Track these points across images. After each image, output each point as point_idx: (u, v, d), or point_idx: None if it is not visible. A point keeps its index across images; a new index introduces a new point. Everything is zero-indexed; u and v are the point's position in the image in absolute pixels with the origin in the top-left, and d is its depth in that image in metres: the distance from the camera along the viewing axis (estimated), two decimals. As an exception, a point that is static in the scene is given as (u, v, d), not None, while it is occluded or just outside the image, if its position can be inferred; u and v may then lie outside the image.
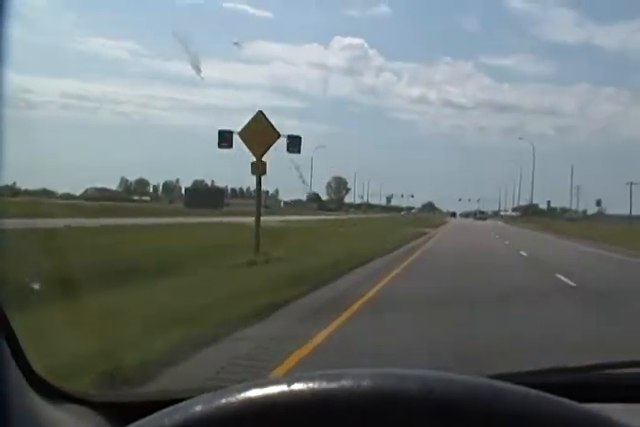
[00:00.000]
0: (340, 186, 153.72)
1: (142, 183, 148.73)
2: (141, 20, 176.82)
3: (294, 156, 19.49)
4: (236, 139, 19.09)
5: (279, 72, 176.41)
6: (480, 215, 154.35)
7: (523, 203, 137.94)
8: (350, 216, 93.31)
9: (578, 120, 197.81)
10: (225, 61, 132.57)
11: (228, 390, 0.88)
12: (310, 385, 0.86)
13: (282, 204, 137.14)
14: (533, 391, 0.90)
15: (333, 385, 0.86)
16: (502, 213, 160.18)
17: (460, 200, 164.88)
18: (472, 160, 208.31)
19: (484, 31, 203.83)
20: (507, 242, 37.64)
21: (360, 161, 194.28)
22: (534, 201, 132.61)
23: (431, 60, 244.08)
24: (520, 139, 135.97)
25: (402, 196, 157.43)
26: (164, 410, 0.88)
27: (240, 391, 0.87)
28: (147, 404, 1.57)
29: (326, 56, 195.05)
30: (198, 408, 0.86)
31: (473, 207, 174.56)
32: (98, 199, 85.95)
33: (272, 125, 18.53)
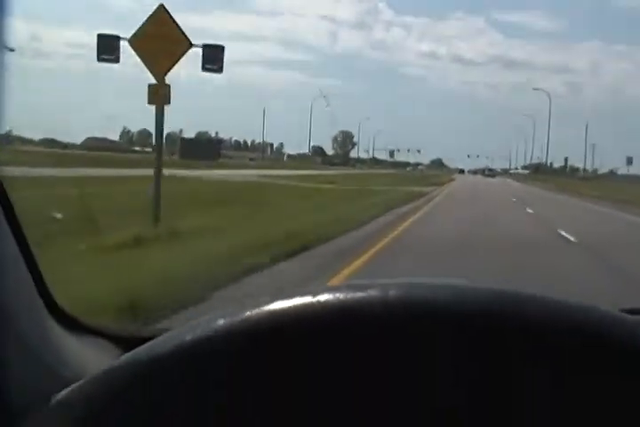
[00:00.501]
0: (346, 140, 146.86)
1: (144, 134, 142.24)
2: None
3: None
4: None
5: (288, 25, 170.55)
6: (489, 172, 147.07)
7: (534, 161, 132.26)
8: (352, 171, 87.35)
9: (589, 78, 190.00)
10: (235, 13, 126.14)
11: (251, 304, 0.85)
12: (337, 296, 0.84)
13: (285, 157, 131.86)
14: (588, 306, 0.84)
15: (360, 295, 0.84)
16: (512, 171, 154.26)
17: (468, 157, 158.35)
18: (482, 117, 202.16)
19: None
20: (530, 211, 25.92)
21: (368, 116, 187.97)
22: (538, 160, 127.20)
23: (442, 15, 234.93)
24: (535, 89, 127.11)
25: (408, 151, 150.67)
26: (188, 324, 0.85)
27: (264, 305, 0.84)
28: None
29: (336, 9, 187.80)
30: (220, 322, 0.83)
31: (482, 164, 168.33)
32: (96, 149, 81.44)
33: (180, 29, 11.97)
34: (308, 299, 0.84)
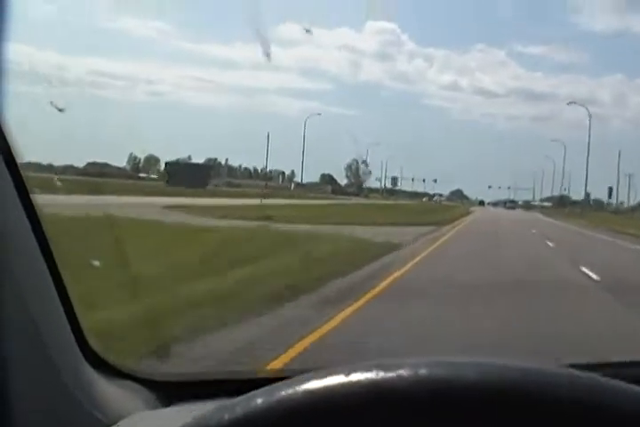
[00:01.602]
0: (359, 169, 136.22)
1: (151, 160, 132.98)
2: (169, 1, 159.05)
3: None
4: None
5: (309, 55, 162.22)
6: (510, 204, 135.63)
7: (556, 193, 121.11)
8: (349, 201, 76.17)
9: (613, 110, 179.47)
10: (255, 43, 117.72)
11: (286, 383, 0.86)
12: (367, 375, 0.84)
13: (292, 186, 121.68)
14: (598, 377, 0.86)
15: (390, 374, 0.84)
16: (533, 203, 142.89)
17: (489, 187, 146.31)
18: (503, 148, 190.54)
19: (518, 19, 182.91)
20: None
21: (386, 146, 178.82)
22: (566, 192, 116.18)
23: (464, 47, 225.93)
24: (570, 103, 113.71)
25: (423, 180, 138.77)
26: (224, 404, 0.87)
27: (299, 384, 0.85)
28: (196, 384, 1.65)
29: (358, 40, 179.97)
30: (259, 402, 0.85)
31: (503, 195, 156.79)
32: (97, 175, 73.59)
33: None
34: (340, 378, 0.84)
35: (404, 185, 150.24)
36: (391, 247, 18.71)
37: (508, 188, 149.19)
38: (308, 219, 26.38)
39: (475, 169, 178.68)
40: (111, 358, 1.41)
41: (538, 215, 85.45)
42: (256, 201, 43.73)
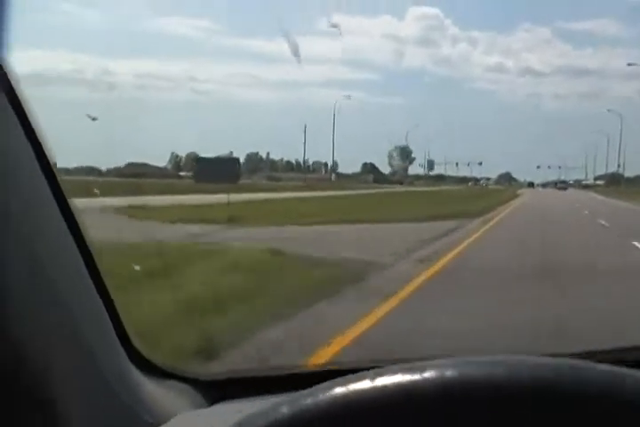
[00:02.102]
0: (403, 156, 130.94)
1: (193, 158, 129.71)
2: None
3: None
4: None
5: (352, 45, 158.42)
6: (561, 185, 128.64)
7: (613, 170, 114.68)
8: (384, 190, 71.73)
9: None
10: (299, 36, 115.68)
11: (313, 390, 0.86)
12: (393, 379, 0.84)
13: (332, 177, 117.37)
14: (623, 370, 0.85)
15: (416, 377, 0.83)
16: (584, 183, 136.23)
17: (538, 167, 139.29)
18: (551, 128, 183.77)
19: None
20: None
21: (432, 132, 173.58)
22: (620, 169, 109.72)
23: (508, 28, 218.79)
24: (609, 110, 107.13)
25: (468, 164, 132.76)
26: (252, 413, 0.88)
27: (325, 390, 0.85)
28: (242, 381, 1.64)
29: (401, 27, 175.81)
30: (283, 410, 0.85)
31: (553, 176, 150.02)
32: (134, 176, 70.49)
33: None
34: (366, 383, 0.83)
35: (450, 170, 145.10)
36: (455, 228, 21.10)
37: (559, 167, 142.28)
38: (298, 217, 21.21)
39: (522, 151, 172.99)
40: (156, 357, 1.39)
41: (592, 195, 77.52)
42: (276, 195, 39.68)
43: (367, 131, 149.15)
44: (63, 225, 1.13)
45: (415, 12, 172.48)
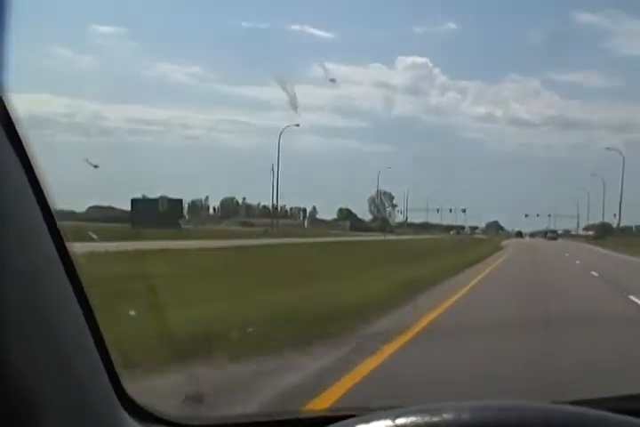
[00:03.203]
0: (385, 202, 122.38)
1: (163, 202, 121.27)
2: (206, 46, 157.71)
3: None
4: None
5: (342, 93, 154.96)
6: (551, 235, 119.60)
7: (600, 221, 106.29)
8: (360, 238, 62.79)
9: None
10: (289, 83, 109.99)
11: None
12: (412, 420, 0.83)
13: (306, 223, 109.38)
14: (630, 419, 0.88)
15: (435, 419, 0.83)
16: (573, 233, 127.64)
17: (526, 216, 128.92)
18: (540, 178, 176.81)
19: (551, 47, 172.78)
20: None
21: (419, 180, 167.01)
22: (605, 220, 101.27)
23: (497, 78, 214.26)
24: (608, 149, 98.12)
25: (450, 211, 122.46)
26: None
27: None
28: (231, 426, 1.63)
29: (390, 76, 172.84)
30: None
31: (542, 225, 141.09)
32: (98, 220, 62.04)
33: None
34: (386, 423, 0.83)
35: (437, 217, 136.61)
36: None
37: (549, 216, 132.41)
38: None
39: (511, 199, 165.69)
40: (147, 402, 1.37)
41: (588, 247, 66.83)
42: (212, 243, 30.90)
43: (353, 177, 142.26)
44: (61, 270, 1.07)
45: (405, 60, 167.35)
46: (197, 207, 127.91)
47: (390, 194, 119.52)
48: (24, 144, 1.05)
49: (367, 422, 0.82)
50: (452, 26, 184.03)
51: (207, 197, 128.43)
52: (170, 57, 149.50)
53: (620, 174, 75.92)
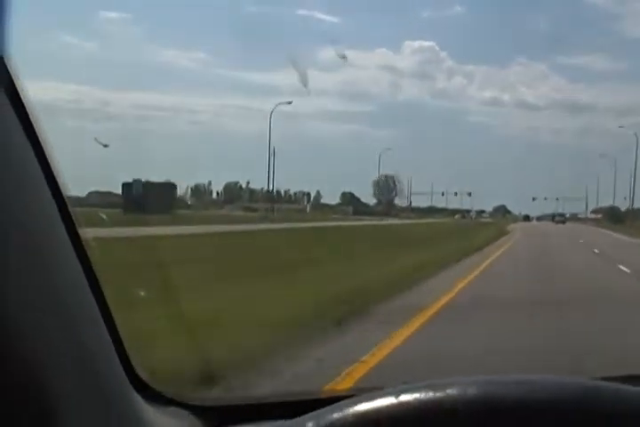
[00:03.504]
0: (389, 186, 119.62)
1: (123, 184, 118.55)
2: (212, 31, 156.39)
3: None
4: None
5: (349, 78, 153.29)
6: (559, 218, 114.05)
7: (615, 204, 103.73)
8: (361, 222, 60.07)
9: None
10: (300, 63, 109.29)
11: (337, 406, 0.85)
12: (417, 396, 0.83)
13: (308, 208, 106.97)
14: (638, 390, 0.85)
15: (439, 394, 0.83)
16: (581, 216, 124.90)
17: (534, 199, 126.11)
18: (549, 160, 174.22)
19: (558, 30, 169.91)
20: None
21: (426, 164, 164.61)
22: (616, 203, 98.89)
23: (504, 62, 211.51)
24: (621, 127, 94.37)
25: (455, 194, 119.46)
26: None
27: (350, 406, 0.84)
28: (244, 407, 1.60)
29: (397, 60, 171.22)
30: (310, 424, 0.84)
31: (550, 208, 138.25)
32: (97, 205, 59.85)
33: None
34: (389, 400, 0.82)
35: (441, 202, 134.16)
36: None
37: (557, 199, 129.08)
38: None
39: (519, 183, 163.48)
40: (157, 384, 1.37)
41: (603, 231, 61.27)
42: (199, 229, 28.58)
43: (359, 161, 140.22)
44: (72, 252, 1.08)
45: (411, 45, 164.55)
46: (200, 192, 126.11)
47: (395, 177, 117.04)
48: (37, 132, 1.04)
49: (369, 400, 0.81)
50: (459, 9, 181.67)
51: (210, 182, 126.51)
52: (175, 42, 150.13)
53: (630, 157, 73.41)
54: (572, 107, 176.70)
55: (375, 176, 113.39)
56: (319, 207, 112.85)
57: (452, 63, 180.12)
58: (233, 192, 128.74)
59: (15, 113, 1.00)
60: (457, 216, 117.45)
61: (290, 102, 65.79)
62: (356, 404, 0.83)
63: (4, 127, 0.99)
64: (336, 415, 0.82)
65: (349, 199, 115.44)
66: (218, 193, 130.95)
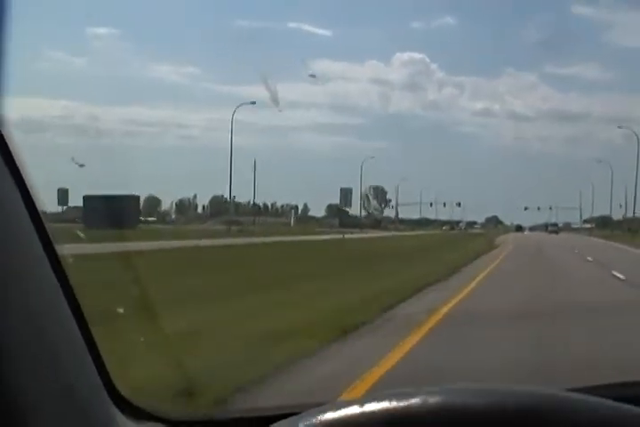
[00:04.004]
0: (377, 197, 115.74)
1: (152, 202, 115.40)
2: (201, 46, 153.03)
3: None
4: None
5: (340, 90, 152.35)
6: (552, 228, 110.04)
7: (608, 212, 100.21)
8: (335, 237, 55.68)
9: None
10: (287, 81, 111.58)
11: (305, 415, 0.86)
12: (382, 405, 0.83)
13: (292, 221, 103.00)
14: (605, 401, 0.84)
15: (404, 403, 0.83)
16: (574, 226, 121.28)
17: (526, 209, 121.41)
18: (540, 170, 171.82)
19: (547, 40, 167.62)
20: None
21: (416, 175, 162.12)
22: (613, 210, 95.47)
23: (494, 73, 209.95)
24: (620, 127, 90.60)
25: (444, 205, 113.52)
26: None
27: (317, 414, 0.84)
28: (224, 422, 1.60)
29: (387, 72, 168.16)
30: (317, 417, 0.84)
31: (542, 218, 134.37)
32: (71, 221, 55.57)
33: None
34: (355, 409, 0.82)
35: (431, 213, 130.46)
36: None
37: (550, 208, 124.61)
38: None
39: (510, 193, 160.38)
40: (138, 399, 1.34)
41: (599, 241, 57.08)
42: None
43: (347, 174, 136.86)
44: (49, 270, 1.06)
45: (402, 57, 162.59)
46: (185, 206, 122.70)
47: (383, 189, 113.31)
48: (9, 146, 1.04)
49: (337, 408, 0.82)
50: (449, 20, 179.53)
51: (195, 195, 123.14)
52: (164, 57, 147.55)
53: (623, 164, 69.76)
54: (562, 116, 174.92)
55: (362, 188, 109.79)
56: (305, 220, 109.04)
57: (442, 75, 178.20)
58: (219, 206, 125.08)
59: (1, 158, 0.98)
60: (445, 227, 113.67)
61: (253, 102, 62.53)
62: (322, 413, 0.82)
63: None
64: (305, 424, 0.82)
65: (336, 211, 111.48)
66: (204, 207, 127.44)
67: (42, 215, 1.07)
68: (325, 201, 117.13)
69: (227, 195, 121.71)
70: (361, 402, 0.82)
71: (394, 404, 0.81)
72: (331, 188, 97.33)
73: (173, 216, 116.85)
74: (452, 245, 41.46)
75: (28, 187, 1.05)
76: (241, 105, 64.35)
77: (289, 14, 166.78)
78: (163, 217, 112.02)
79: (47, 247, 1.07)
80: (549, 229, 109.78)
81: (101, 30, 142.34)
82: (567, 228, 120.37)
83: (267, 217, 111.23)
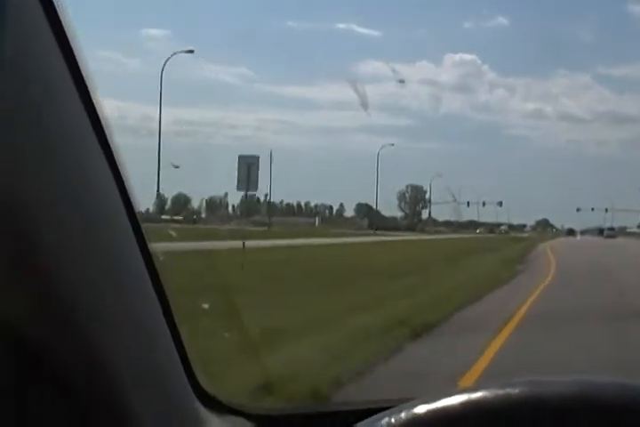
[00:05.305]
0: (417, 198, 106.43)
1: (180, 200, 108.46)
2: (253, 47, 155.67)
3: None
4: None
5: (389, 91, 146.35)
6: (609, 232, 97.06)
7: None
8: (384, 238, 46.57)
9: None
10: (335, 82, 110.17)
11: (395, 410, 0.85)
12: (519, 390, 0.84)
13: (316, 221, 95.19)
14: None
15: (540, 389, 0.84)
16: (629, 230, 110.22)
17: (578, 210, 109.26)
18: (593, 173, 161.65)
19: (600, 40, 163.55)
20: None
21: (465, 177, 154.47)
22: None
23: (546, 73, 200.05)
24: None
25: (483, 204, 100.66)
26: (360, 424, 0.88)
27: (455, 398, 0.84)
28: (304, 416, 1.57)
29: (438, 73, 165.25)
30: (418, 409, 0.84)
31: (597, 221, 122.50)
32: None
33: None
34: (496, 391, 0.83)
35: (480, 214, 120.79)
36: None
37: (605, 210, 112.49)
38: None
39: (561, 197, 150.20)
40: (221, 394, 1.34)
41: None
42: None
43: (395, 175, 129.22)
44: (143, 266, 1.07)
45: (452, 58, 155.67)
46: (216, 205, 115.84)
47: (422, 188, 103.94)
48: (112, 147, 1.02)
49: (426, 403, 0.82)
50: (501, 20, 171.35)
51: (226, 194, 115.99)
52: (216, 58, 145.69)
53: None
54: (618, 118, 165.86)
55: (401, 187, 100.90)
56: (331, 221, 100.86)
57: (493, 76, 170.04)
58: (250, 205, 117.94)
59: (94, 133, 0.96)
60: (480, 230, 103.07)
61: (192, 51, 55.47)
62: (414, 406, 0.82)
63: (79, 137, 0.94)
64: (440, 404, 0.82)
65: (366, 211, 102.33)
66: (234, 206, 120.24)
67: (138, 215, 1.05)
68: (364, 201, 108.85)
69: (259, 194, 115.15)
70: (502, 386, 0.81)
71: (530, 389, 0.80)
72: (371, 188, 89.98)
73: (203, 215, 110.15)
74: (476, 254, 31.85)
75: (127, 188, 1.03)
76: (175, 54, 55.54)
77: (337, 15, 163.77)
78: (191, 215, 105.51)
79: (141, 244, 1.05)
80: (606, 233, 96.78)
81: (154, 31, 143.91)
82: (622, 232, 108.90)
83: (298, 217, 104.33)
